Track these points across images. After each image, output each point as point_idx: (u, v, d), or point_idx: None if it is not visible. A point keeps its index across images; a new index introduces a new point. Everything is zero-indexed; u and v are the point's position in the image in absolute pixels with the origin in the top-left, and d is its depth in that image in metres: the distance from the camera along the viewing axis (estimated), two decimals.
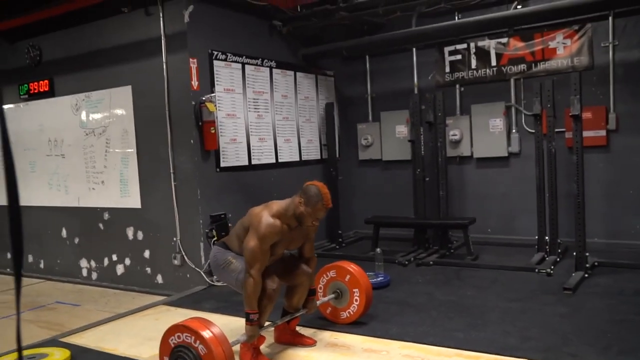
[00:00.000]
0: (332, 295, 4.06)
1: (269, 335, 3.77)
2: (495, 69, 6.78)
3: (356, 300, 3.99)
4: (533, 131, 6.00)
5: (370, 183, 7.92)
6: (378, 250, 5.54)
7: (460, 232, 6.22)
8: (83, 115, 6.21)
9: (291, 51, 6.92)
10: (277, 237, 3.32)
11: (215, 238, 5.44)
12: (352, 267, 4.05)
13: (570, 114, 5.02)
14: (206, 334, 2.90)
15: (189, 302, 5.00)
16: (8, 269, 7.17)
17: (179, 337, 2.99)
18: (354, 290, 3.99)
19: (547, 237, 5.67)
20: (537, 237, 5.77)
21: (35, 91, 6.60)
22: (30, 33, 6.47)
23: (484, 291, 4.78)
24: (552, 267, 5.23)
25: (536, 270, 5.22)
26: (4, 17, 6.17)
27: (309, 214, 3.30)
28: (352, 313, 4.03)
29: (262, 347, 3.63)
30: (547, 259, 5.59)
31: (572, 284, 4.60)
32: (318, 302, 3.92)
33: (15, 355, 3.73)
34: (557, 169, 5.66)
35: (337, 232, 7.12)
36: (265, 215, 3.29)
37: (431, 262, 5.85)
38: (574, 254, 5.08)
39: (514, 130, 6.70)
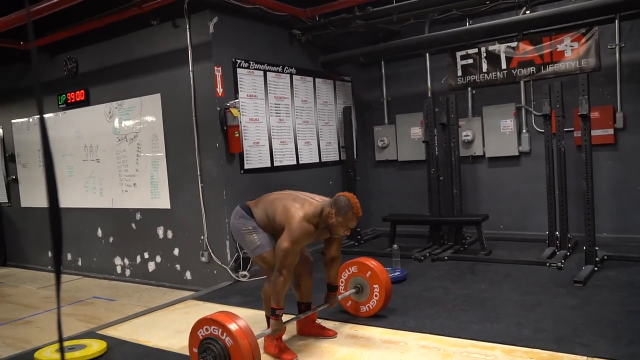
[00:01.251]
0: (353, 290, 4.07)
1: (290, 327, 3.78)
2: (505, 72, 6.70)
3: (376, 295, 3.99)
4: (543, 131, 5.92)
5: (386, 183, 7.90)
6: (395, 246, 5.52)
7: (473, 228, 6.18)
8: (116, 122, 6.30)
9: (310, 58, 6.93)
10: (310, 240, 3.34)
11: None
12: (373, 263, 4.05)
13: (578, 114, 4.94)
14: (232, 326, 2.92)
15: (216, 297, 5.04)
16: (49, 267, 7.31)
17: (207, 329, 3.01)
18: (374, 285, 3.99)
19: (557, 232, 5.59)
20: (547, 232, 5.69)
21: (72, 100, 6.72)
22: (67, 46, 6.59)
23: (497, 285, 4.74)
24: (563, 261, 5.16)
25: (547, 264, 5.16)
26: (46, 33, 6.29)
27: (340, 224, 3.28)
28: (371, 307, 4.02)
29: (287, 339, 3.64)
30: (557, 253, 5.51)
31: (582, 277, 4.53)
32: (340, 297, 3.92)
33: (57, 345, 3.81)
34: (567, 166, 5.58)
35: (355, 230, 7.10)
36: (301, 218, 3.28)
37: (446, 258, 5.81)
38: (584, 248, 5.01)
39: (524, 130, 6.62)
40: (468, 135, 6.88)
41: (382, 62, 7.74)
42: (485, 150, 6.88)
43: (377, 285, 3.98)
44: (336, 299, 3.82)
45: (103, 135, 6.45)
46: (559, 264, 5.08)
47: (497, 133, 6.71)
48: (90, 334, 4.18)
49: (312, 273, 3.74)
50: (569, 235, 5.61)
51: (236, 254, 5.48)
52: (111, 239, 6.54)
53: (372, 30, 6.96)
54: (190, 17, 5.46)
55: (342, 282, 4.13)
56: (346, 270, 4.14)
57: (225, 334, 2.93)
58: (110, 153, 6.40)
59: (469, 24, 6.62)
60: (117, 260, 6.48)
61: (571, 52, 6.25)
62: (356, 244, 7.01)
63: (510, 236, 6.67)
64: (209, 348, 2.97)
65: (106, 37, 6.23)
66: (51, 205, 1.21)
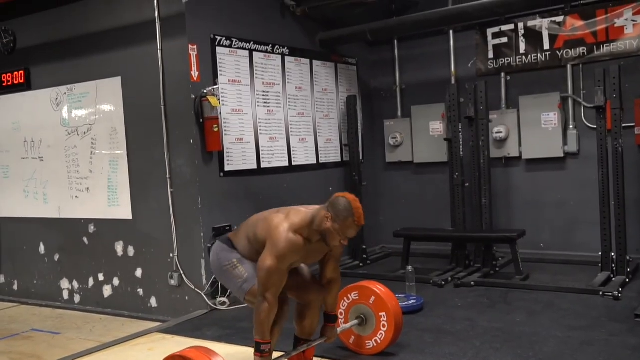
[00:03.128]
0: (356, 322, 4.06)
1: None
2: (548, 53, 6.72)
3: (383, 326, 3.98)
4: (595, 127, 5.93)
5: (399, 189, 7.89)
6: (409, 268, 5.52)
7: (507, 247, 6.16)
8: (64, 112, 6.28)
9: (307, 36, 6.93)
10: (298, 255, 3.33)
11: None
12: (378, 287, 4.05)
13: None
14: None
15: (187, 328, 5.01)
16: None
17: None
18: (380, 314, 3.98)
19: (613, 254, 5.59)
20: (600, 253, 5.69)
21: (9, 83, 6.70)
22: (2, 16, 6.57)
23: (537, 317, 4.72)
24: (620, 289, 5.16)
25: (600, 293, 5.16)
26: None
27: (336, 231, 3.26)
28: (379, 342, 4.01)
29: None
30: (613, 279, 5.51)
31: None
32: (339, 330, 3.91)
33: None
34: (625, 171, 5.58)
35: (360, 247, 7.10)
36: (286, 230, 3.28)
37: (472, 283, 5.81)
38: None
39: (571, 126, 6.64)
40: (501, 132, 6.89)
41: (395, 41, 7.75)
42: (521, 150, 6.89)
43: (384, 314, 3.97)
44: (335, 331, 3.81)
45: (48, 128, 6.42)
46: (616, 292, 5.07)
47: (537, 129, 6.72)
48: None
49: (321, 306, 3.73)
50: (628, 258, 5.61)
51: (213, 276, 5.45)
52: (57, 257, 6.51)
53: (383, 2, 6.97)
54: None
55: (341, 312, 4.12)
56: (345, 298, 4.13)
57: None
58: (57, 150, 6.37)
59: None
60: (64, 284, 6.44)
61: (632, 28, 6.28)
62: (361, 264, 7.01)
63: (553, 257, 6.67)
64: None
65: (53, 4, 6.20)
66: None
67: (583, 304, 4.98)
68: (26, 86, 6.58)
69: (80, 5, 6.04)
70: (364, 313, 4.06)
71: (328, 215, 3.26)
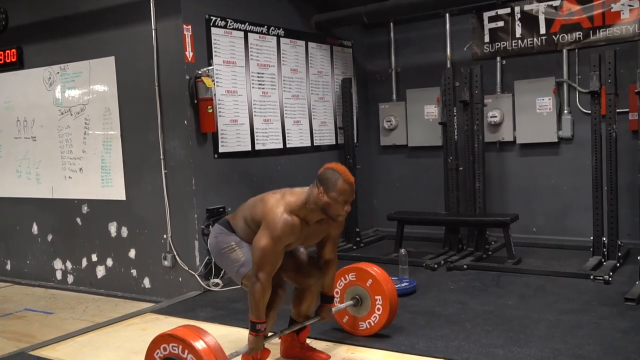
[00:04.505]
0: (351, 302, 4.07)
1: (274, 348, 3.78)
2: (544, 37, 6.70)
3: (378, 310, 3.99)
4: (589, 112, 5.93)
5: (393, 173, 7.90)
6: (402, 251, 5.53)
7: (499, 231, 6.19)
8: (57, 91, 6.23)
9: (302, 17, 6.89)
10: (294, 236, 3.33)
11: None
12: (375, 269, 4.06)
13: (635, 91, 4.96)
14: (199, 344, 2.91)
15: (180, 309, 5.02)
16: None
17: (165, 349, 3.01)
18: (376, 297, 3.99)
19: (604, 238, 5.62)
20: (592, 237, 5.72)
21: (1, 62, 6.63)
22: None
23: (528, 301, 4.76)
24: (611, 273, 5.19)
25: (591, 277, 5.19)
26: None
27: (335, 200, 3.24)
28: (372, 324, 4.03)
29: None
30: (604, 263, 5.55)
31: (635, 294, 4.56)
32: (334, 309, 3.93)
33: None
34: (618, 157, 5.60)
35: (354, 230, 7.12)
36: (281, 210, 3.27)
37: (465, 266, 5.84)
38: (638, 258, 5.03)
39: (565, 111, 6.64)
40: (495, 117, 6.89)
41: (391, 24, 7.71)
42: (516, 135, 6.89)
43: (379, 297, 3.99)
44: (330, 312, 3.83)
45: (41, 107, 6.38)
46: (606, 277, 5.10)
47: (532, 114, 6.72)
48: (21, 356, 4.14)
49: (320, 291, 3.73)
50: (619, 242, 5.64)
51: (207, 257, 5.46)
52: (50, 237, 6.50)
53: None
54: None
55: (337, 292, 4.13)
56: (342, 279, 4.14)
57: (188, 353, 2.91)
58: (50, 130, 6.34)
59: None
60: (57, 264, 6.44)
61: (629, 12, 6.26)
62: (354, 247, 7.03)
63: (546, 242, 6.71)
64: None
65: None
66: None
67: (574, 288, 5.01)
68: (19, 65, 6.52)
69: None
70: (359, 294, 4.08)
71: (320, 189, 3.26)
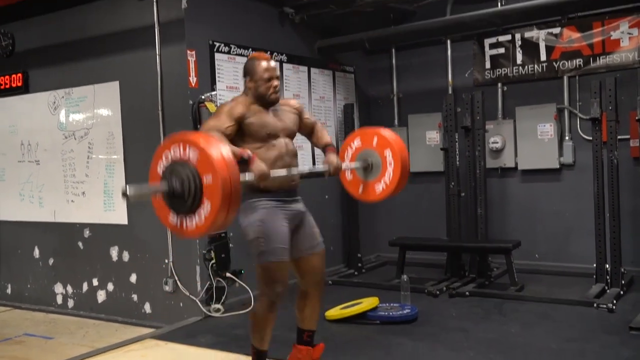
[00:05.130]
0: (360, 163, 3.97)
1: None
2: (545, 64, 6.75)
3: (390, 164, 3.86)
4: (590, 138, 5.95)
5: (395, 198, 7.71)
6: (404, 277, 5.51)
7: (502, 257, 6.17)
8: (62, 115, 6.27)
9: (305, 43, 6.95)
10: (243, 109, 3.41)
11: (214, 261, 5.45)
12: (379, 128, 4.03)
13: (636, 118, 4.98)
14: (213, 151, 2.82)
15: (181, 335, 4.99)
16: None
17: (167, 157, 2.94)
18: (385, 153, 3.87)
19: (607, 265, 5.60)
20: (595, 264, 5.69)
21: (7, 86, 6.68)
22: (1, 18, 6.56)
23: (531, 328, 4.72)
24: (615, 301, 5.15)
25: (595, 305, 5.15)
26: None
27: (261, 80, 3.47)
28: (387, 182, 3.88)
29: None
30: (608, 291, 5.51)
31: (639, 323, 4.53)
32: (343, 165, 3.84)
33: None
34: (620, 183, 5.60)
35: (355, 256, 7.09)
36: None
37: (467, 293, 5.80)
38: None
39: (567, 138, 6.66)
40: (497, 142, 6.90)
41: (393, 50, 7.77)
42: (517, 161, 6.90)
43: (388, 151, 3.86)
44: (334, 155, 3.76)
45: (45, 131, 6.41)
46: (610, 305, 5.07)
47: (533, 140, 6.74)
48: None
49: (323, 294, 3.73)
50: (622, 270, 5.61)
51: (208, 283, 5.44)
52: (51, 261, 6.48)
53: (382, 10, 6.99)
54: None
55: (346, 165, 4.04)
56: (348, 148, 4.04)
57: (189, 148, 2.84)
58: (53, 153, 6.36)
59: (502, 5, 6.66)
60: (58, 288, 6.42)
61: (629, 40, 6.31)
62: (356, 273, 7.00)
63: (548, 268, 6.67)
64: (175, 171, 2.88)
65: (52, 8, 6.20)
66: None
67: (577, 316, 4.98)
68: (24, 89, 6.57)
69: (79, 10, 6.04)
70: (368, 156, 3.96)
71: (247, 79, 3.52)
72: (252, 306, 3.38)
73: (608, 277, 5.59)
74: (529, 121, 6.75)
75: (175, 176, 2.86)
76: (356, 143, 4.03)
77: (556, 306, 5.30)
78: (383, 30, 6.92)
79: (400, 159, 3.83)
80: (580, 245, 6.48)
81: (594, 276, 5.69)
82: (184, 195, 2.84)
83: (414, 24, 6.83)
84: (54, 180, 6.36)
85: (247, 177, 3.18)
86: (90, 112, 6.03)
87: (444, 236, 6.78)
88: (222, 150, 2.83)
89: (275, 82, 3.50)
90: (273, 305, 3.39)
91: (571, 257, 6.64)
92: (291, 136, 3.66)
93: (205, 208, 2.81)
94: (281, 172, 3.42)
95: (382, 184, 3.91)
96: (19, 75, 6.58)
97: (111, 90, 5.85)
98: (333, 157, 3.73)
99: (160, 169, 2.96)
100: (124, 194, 2.78)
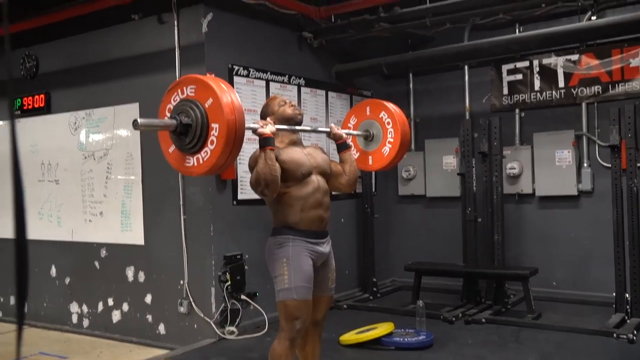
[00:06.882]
0: (362, 132, 4.17)
1: None
2: (563, 91, 6.75)
3: (388, 123, 4.09)
4: (609, 166, 5.91)
5: (411, 223, 7.87)
6: (420, 303, 5.48)
7: (519, 284, 6.12)
8: (82, 136, 6.35)
9: (323, 67, 7.01)
10: (280, 144, 3.51)
11: (229, 283, 5.45)
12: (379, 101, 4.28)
13: None
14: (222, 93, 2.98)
15: (195, 357, 4.99)
16: None
17: (175, 99, 3.14)
18: (380, 115, 4.12)
19: (627, 295, 5.52)
20: (614, 293, 5.62)
21: (29, 107, 6.78)
22: (26, 40, 6.69)
23: (549, 358, 4.67)
24: (635, 332, 5.07)
25: (615, 335, 5.07)
26: None
27: (279, 107, 3.63)
28: (391, 144, 4.09)
29: None
30: (628, 321, 5.42)
31: None
32: (345, 131, 3.98)
33: None
34: None
35: (370, 280, 7.06)
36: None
37: (483, 320, 5.74)
38: None
39: (585, 165, 6.62)
40: (514, 168, 6.88)
41: (410, 75, 7.82)
42: (535, 187, 6.87)
43: (383, 113, 4.12)
44: (338, 131, 3.88)
45: (65, 151, 6.49)
46: (630, 335, 4.98)
47: (551, 167, 6.71)
48: None
49: (322, 335, 3.75)
50: None
51: (223, 305, 5.43)
52: (67, 280, 6.52)
53: (400, 36, 7.05)
54: (179, 11, 5.55)
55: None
56: (351, 119, 4.30)
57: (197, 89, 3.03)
58: (73, 173, 6.43)
59: (519, 31, 6.69)
60: (74, 307, 6.44)
61: None
62: (371, 297, 6.96)
63: (566, 296, 6.59)
64: (185, 111, 3.02)
65: (75, 32, 6.32)
66: (19, 238, 1.20)
67: (597, 346, 4.91)
68: (46, 110, 6.66)
69: (102, 33, 6.15)
70: (368, 127, 4.18)
71: (270, 118, 3.60)
72: (272, 342, 3.40)
73: (628, 307, 5.50)
74: (546, 147, 6.73)
75: (185, 114, 3.02)
76: (352, 121, 4.32)
77: (574, 335, 5.24)
78: (401, 56, 6.97)
79: (400, 124, 4.07)
80: (599, 273, 6.41)
81: (614, 305, 5.61)
82: (190, 134, 3.00)
83: (432, 49, 6.86)
84: (73, 199, 6.43)
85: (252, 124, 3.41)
86: (110, 133, 6.11)
87: (460, 262, 6.74)
88: (232, 96, 2.99)
89: (293, 102, 3.66)
90: (293, 342, 3.39)
91: (590, 285, 6.55)
92: (324, 175, 3.71)
93: (209, 149, 2.99)
94: (284, 127, 3.58)
95: (388, 148, 4.11)
96: (42, 96, 6.68)
97: (131, 111, 5.91)
98: (335, 129, 3.91)
99: (172, 103, 3.15)
100: (135, 124, 2.97)
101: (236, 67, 5.79)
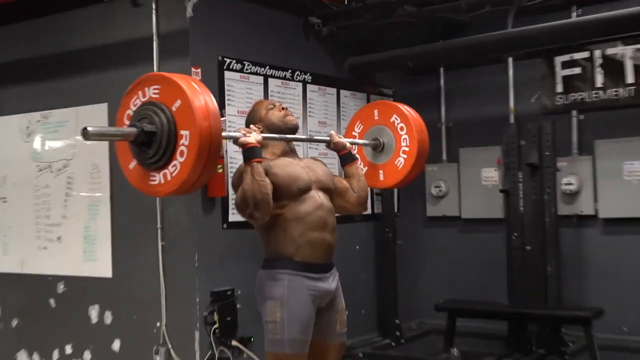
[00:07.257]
0: (369, 141, 4.23)
1: None
2: (632, 88, 6.72)
3: (405, 140, 4.20)
4: None
5: (443, 251, 7.84)
6: (454, 351, 5.49)
7: (579, 329, 6.08)
8: (36, 143, 6.34)
9: (334, 60, 7.02)
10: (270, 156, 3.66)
11: (217, 325, 5.42)
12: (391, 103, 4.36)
13: None
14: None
15: None
16: None
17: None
18: (391, 120, 4.19)
19: None
20: None
21: None
22: None
23: None
24: None
25: None
26: None
27: (266, 111, 3.77)
28: (403, 162, 4.17)
29: None
30: None
31: None
32: (349, 140, 4.07)
33: None
34: None
35: (393, 322, 7.03)
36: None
37: None
38: None
39: None
40: (571, 184, 6.83)
41: (441, 70, 7.81)
42: (598, 207, 6.82)
43: (396, 117, 4.18)
44: (340, 140, 3.99)
45: (15, 162, 6.49)
46: None
47: (619, 181, 6.66)
48: None
49: None
50: None
51: (209, 352, 5.40)
52: (14, 323, 6.48)
53: (427, 22, 7.05)
54: None
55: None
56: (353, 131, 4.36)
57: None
58: (24, 189, 6.41)
59: (577, 15, 6.70)
60: (22, 356, 6.40)
61: None
62: (393, 343, 6.93)
63: (639, 344, 6.53)
64: (147, 116, 3.06)
65: (29, 15, 6.32)
66: None
67: None
68: None
69: (63, 17, 6.15)
70: (378, 135, 4.28)
71: (258, 125, 3.72)
72: None
73: None
74: (612, 158, 6.69)
75: (147, 120, 3.02)
76: (357, 129, 4.42)
77: None
78: (430, 46, 6.96)
79: (416, 132, 4.17)
80: None
81: None
82: (154, 144, 3.00)
83: (468, 38, 6.81)
84: (24, 222, 6.40)
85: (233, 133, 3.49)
86: (72, 139, 6.09)
87: (504, 300, 6.72)
88: (206, 98, 3.06)
89: (281, 105, 3.74)
90: None
91: None
92: (327, 191, 3.77)
93: (177, 162, 3.00)
94: (272, 136, 3.64)
95: (402, 159, 4.20)
96: None
97: (98, 113, 5.89)
98: (336, 136, 4.01)
99: (132, 108, 3.19)
100: (84, 133, 2.90)
101: (228, 60, 5.79)
